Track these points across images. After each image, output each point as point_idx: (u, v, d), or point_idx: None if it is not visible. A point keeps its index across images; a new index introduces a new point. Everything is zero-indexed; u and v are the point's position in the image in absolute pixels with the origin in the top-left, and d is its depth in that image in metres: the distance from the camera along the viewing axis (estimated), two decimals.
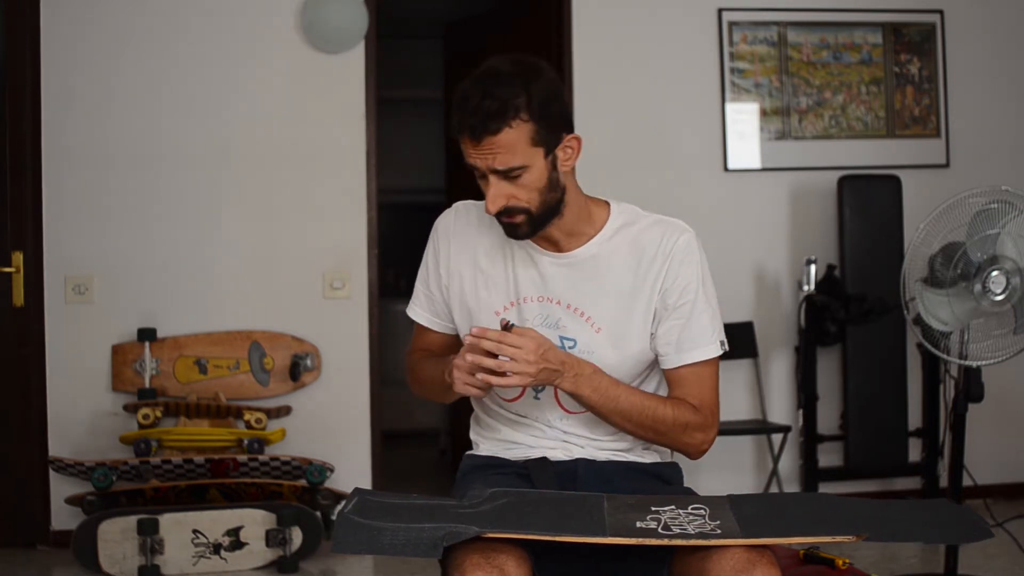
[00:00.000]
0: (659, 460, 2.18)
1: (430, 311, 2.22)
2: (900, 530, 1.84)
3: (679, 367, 2.07)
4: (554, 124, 1.97)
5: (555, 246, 2.08)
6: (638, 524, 1.79)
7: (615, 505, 1.87)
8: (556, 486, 2.04)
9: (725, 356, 2.13)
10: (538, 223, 2.01)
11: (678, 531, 1.77)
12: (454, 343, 2.23)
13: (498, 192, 1.97)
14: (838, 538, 1.75)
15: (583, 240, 2.08)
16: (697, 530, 1.77)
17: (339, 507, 1.91)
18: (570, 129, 2.02)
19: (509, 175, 1.95)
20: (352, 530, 1.79)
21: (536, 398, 2.11)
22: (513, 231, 2.02)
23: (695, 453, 2.10)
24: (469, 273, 2.14)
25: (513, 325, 1.98)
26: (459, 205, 2.21)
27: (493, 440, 2.18)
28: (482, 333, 1.93)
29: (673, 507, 1.86)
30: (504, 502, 1.88)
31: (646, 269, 2.06)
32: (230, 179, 4.54)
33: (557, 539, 1.75)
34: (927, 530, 1.89)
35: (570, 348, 2.06)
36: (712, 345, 2.07)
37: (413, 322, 2.26)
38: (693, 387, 2.07)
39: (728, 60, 4.91)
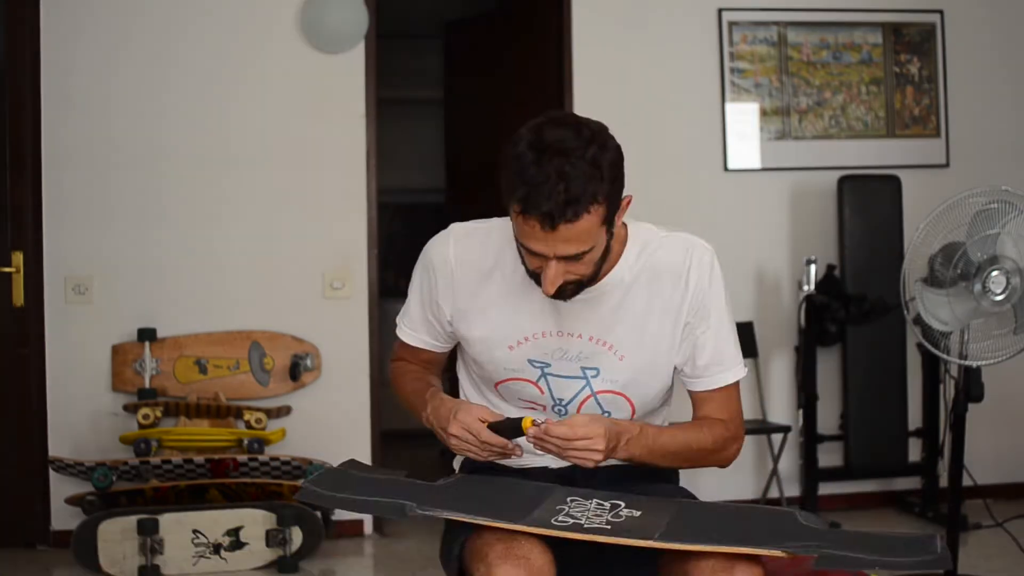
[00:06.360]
0: None
1: (429, 335, 2.10)
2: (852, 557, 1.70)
3: (709, 390, 2.06)
4: (620, 195, 1.84)
5: None
6: (554, 520, 1.78)
7: (570, 500, 1.86)
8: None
9: None
10: (585, 287, 1.91)
11: (592, 525, 1.77)
12: (444, 358, 2.17)
13: (558, 273, 1.82)
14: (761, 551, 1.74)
15: (605, 271, 1.94)
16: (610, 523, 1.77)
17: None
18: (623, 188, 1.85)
19: (575, 258, 1.82)
20: (326, 477, 1.88)
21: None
22: (559, 295, 1.88)
23: (728, 463, 2.11)
24: (478, 308, 2.00)
25: (544, 422, 1.88)
26: (455, 231, 2.03)
27: None
28: (545, 433, 1.85)
29: (621, 504, 1.86)
30: (459, 478, 1.95)
31: (670, 292, 1.97)
32: (230, 179, 4.54)
33: (475, 521, 1.77)
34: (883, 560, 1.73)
35: (592, 377, 1.99)
36: (739, 367, 2.08)
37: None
38: (721, 404, 2.08)
39: (728, 60, 4.91)
